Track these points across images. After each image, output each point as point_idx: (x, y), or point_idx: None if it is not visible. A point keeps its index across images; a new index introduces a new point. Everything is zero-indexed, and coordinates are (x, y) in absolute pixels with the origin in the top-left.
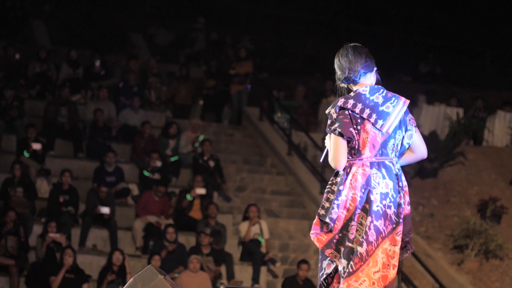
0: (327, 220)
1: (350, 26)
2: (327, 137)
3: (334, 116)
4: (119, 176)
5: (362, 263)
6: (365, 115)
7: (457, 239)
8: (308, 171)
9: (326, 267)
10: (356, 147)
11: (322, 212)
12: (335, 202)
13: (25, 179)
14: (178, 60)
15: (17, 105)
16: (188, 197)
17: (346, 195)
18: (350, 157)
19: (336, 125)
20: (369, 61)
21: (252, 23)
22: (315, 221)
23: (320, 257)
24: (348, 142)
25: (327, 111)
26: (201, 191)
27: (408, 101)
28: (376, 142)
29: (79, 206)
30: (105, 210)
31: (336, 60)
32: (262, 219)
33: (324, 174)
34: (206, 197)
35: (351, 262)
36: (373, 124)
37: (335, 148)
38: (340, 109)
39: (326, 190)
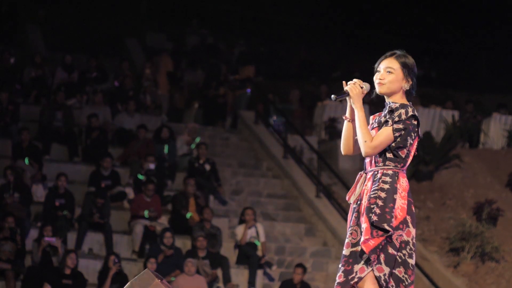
0: (387, 227)
1: (345, 30)
2: (355, 84)
3: (404, 117)
4: (115, 180)
5: (414, 274)
6: (420, 132)
7: (453, 241)
8: (304, 174)
9: (359, 271)
10: (404, 156)
11: (375, 218)
12: (393, 210)
13: (20, 183)
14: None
15: (12, 110)
16: (188, 215)
17: (397, 203)
18: (394, 165)
19: (401, 126)
20: None
21: (247, 27)
22: (366, 226)
23: (350, 260)
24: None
25: (400, 109)
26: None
27: None
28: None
29: (75, 210)
30: (100, 219)
31: (415, 69)
32: (258, 222)
33: (320, 177)
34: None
35: (405, 275)
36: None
37: (383, 141)
38: (411, 117)
39: (372, 195)
